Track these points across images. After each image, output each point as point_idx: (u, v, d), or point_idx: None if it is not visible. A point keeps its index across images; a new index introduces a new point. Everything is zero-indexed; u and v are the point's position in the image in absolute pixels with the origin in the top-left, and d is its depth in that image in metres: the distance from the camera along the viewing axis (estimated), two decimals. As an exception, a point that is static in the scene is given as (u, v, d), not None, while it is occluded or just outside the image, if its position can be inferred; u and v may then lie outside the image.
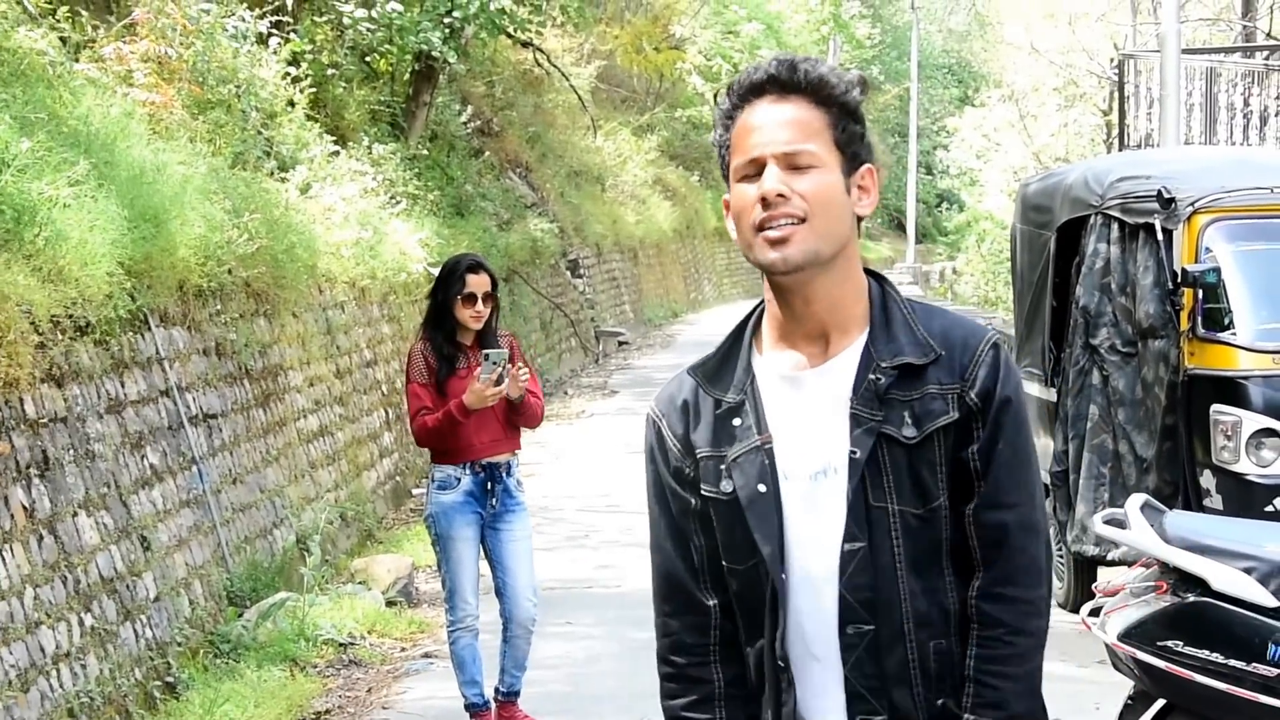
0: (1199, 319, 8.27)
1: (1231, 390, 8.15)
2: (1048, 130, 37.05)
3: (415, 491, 14.16)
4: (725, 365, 2.90)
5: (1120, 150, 19.29)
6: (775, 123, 2.78)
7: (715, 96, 2.93)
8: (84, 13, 11.45)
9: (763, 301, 2.91)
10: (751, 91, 2.83)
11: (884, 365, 2.80)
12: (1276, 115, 17.36)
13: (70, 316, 8.08)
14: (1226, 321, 8.23)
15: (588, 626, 9.13)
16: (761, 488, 2.80)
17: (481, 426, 7.25)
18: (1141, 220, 8.60)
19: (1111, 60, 23.72)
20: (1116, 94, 20.81)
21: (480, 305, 7.29)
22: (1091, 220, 8.99)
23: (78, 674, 7.40)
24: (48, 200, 8.14)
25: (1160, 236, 8.45)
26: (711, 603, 2.89)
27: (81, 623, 7.60)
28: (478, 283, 7.33)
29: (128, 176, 9.27)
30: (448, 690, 7.76)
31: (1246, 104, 17.70)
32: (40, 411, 7.66)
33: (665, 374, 22.63)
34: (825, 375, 2.83)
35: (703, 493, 2.85)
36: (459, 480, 7.35)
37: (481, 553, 7.42)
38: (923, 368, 2.81)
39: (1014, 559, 2.81)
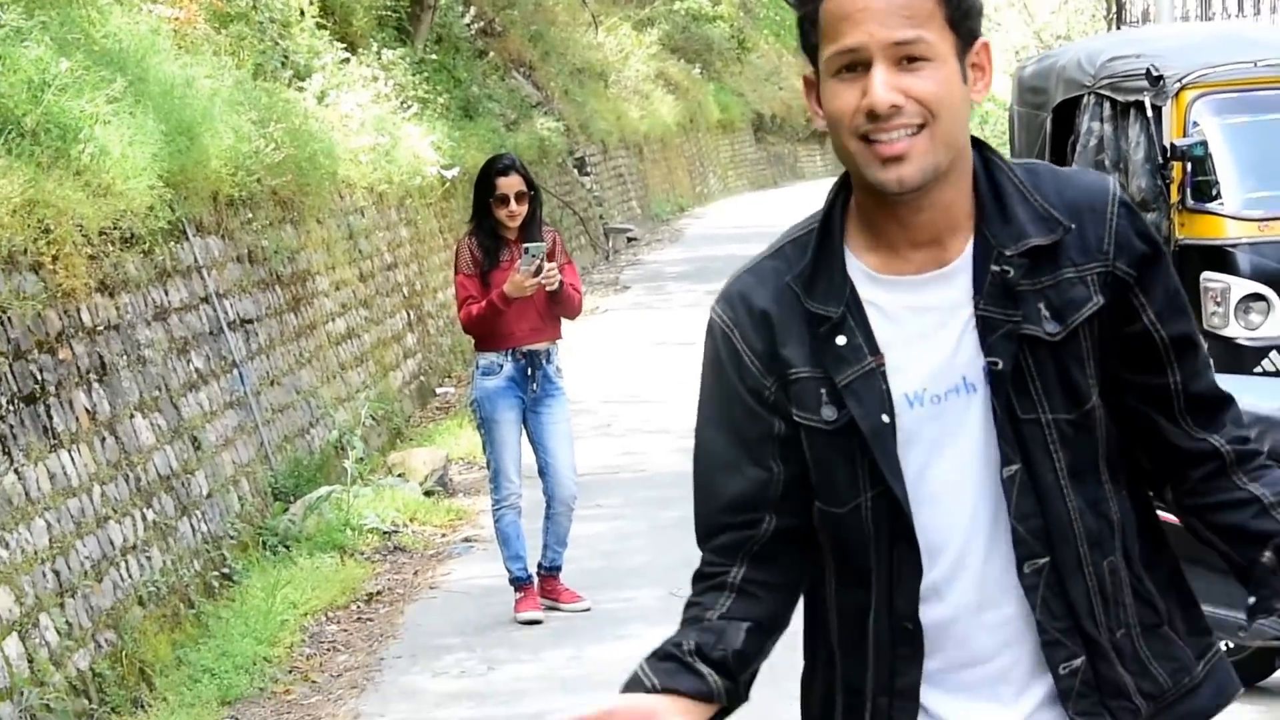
0: (1188, 191, 8.80)
1: (1220, 258, 8.69)
2: (1048, 8, 37.45)
3: (439, 390, 14.73)
4: (819, 271, 2.45)
5: (1118, 27, 19.70)
6: (880, 5, 2.30)
7: None
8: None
9: (840, 191, 2.48)
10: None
11: (1008, 254, 2.39)
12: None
13: (117, 228, 8.59)
14: (1214, 192, 8.75)
15: (617, 508, 9.72)
16: (884, 418, 2.39)
17: (522, 316, 7.78)
18: (1132, 98, 9.11)
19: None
20: (1114, -28, 21.13)
21: (514, 205, 7.80)
22: (1085, 99, 9.50)
23: (144, 565, 7.98)
24: (89, 117, 8.61)
25: (1150, 113, 8.96)
26: (765, 525, 2.46)
27: (144, 517, 8.18)
28: (507, 184, 7.84)
29: (160, 92, 9.75)
30: (490, 570, 8.36)
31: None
32: (95, 320, 8.20)
33: (675, 268, 23.15)
34: (945, 281, 2.42)
35: (797, 419, 2.42)
36: (501, 366, 7.87)
37: (524, 435, 7.97)
38: (1052, 247, 2.40)
39: (1235, 405, 2.51)
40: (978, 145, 2.46)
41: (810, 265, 2.44)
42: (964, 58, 2.35)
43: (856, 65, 2.32)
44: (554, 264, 7.83)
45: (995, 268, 2.39)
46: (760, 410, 2.45)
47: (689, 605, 2.48)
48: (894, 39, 2.29)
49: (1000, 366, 2.38)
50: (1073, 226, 2.40)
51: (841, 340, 2.41)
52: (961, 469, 2.42)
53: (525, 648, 7.39)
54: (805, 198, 34.75)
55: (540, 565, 8.02)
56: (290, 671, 7.24)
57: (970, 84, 2.37)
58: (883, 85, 2.29)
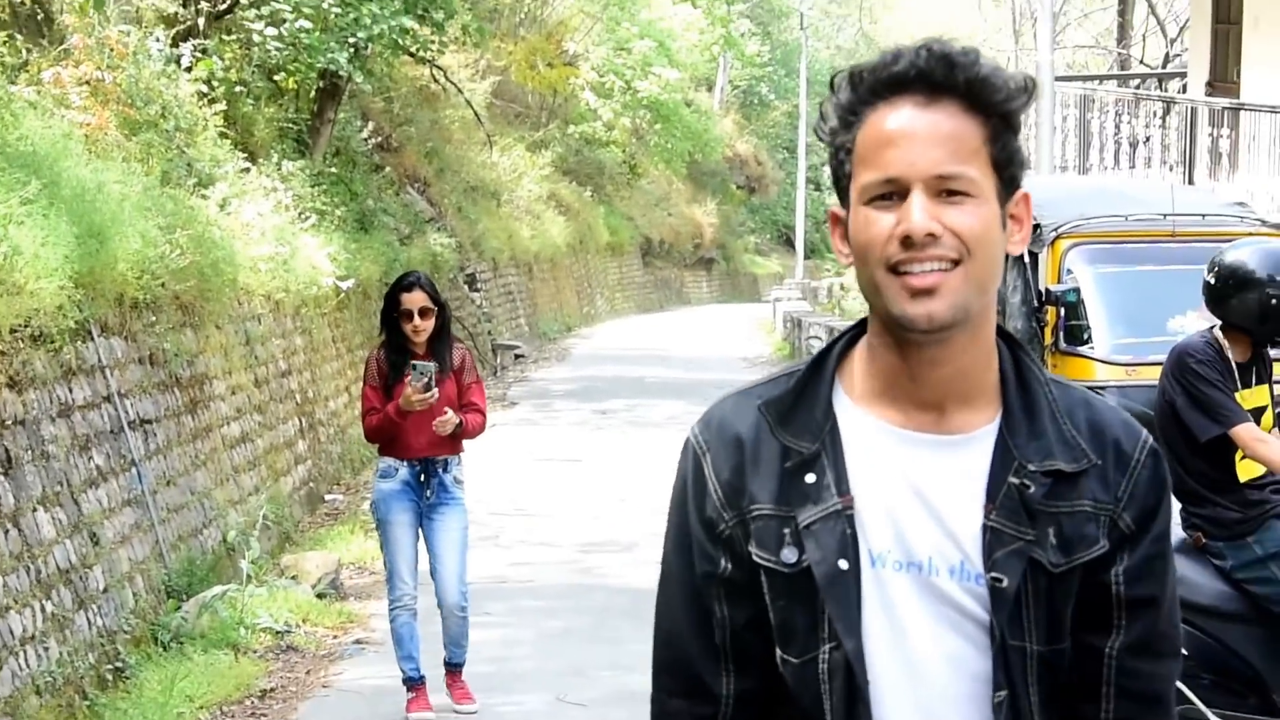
0: (1061, 334, 9.32)
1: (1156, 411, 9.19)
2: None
3: (328, 497, 14.94)
4: (801, 403, 2.32)
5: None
6: (925, 135, 2.20)
7: (832, 82, 2.26)
8: (18, 37, 12.17)
9: (855, 331, 2.37)
10: (890, 85, 2.23)
11: (1032, 469, 2.26)
12: (1145, 141, 18.57)
13: (27, 326, 8.83)
14: (1085, 337, 9.28)
15: (504, 616, 10.01)
16: (843, 564, 2.25)
17: (420, 429, 8.12)
18: (1011, 245, 9.63)
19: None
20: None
21: (418, 320, 8.14)
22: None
23: (41, 656, 8.16)
24: (3, 218, 8.88)
25: (1027, 259, 9.50)
26: (723, 691, 2.36)
27: (43, 609, 8.37)
28: (411, 299, 8.19)
29: (72, 195, 10.01)
30: (381, 671, 8.63)
31: (1118, 129, 18.89)
32: (3, 414, 8.42)
33: (561, 386, 23.52)
34: (942, 449, 2.28)
35: (754, 558, 2.29)
36: (397, 470, 8.23)
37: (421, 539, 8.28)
38: (1074, 476, 2.27)
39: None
40: (1010, 341, 2.35)
41: (791, 395, 2.33)
42: (1004, 204, 2.27)
43: (893, 194, 2.22)
44: (447, 411, 8.11)
45: (1014, 480, 2.25)
46: (707, 546, 2.34)
47: None
48: (937, 171, 2.20)
49: (1005, 584, 2.23)
50: (1098, 462, 2.28)
51: (811, 478, 2.28)
52: (922, 653, 2.27)
53: (413, 747, 7.67)
54: (693, 321, 35.32)
55: (445, 661, 8.32)
56: (187, 764, 7.45)
57: (1008, 233, 2.28)
58: (921, 211, 2.19)
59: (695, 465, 2.37)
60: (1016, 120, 2.28)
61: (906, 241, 2.19)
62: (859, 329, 2.36)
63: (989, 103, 2.23)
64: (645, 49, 39.51)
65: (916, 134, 2.21)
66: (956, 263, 2.20)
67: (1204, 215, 9.62)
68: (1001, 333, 2.33)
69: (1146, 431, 2.33)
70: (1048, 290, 9.28)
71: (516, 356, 27.10)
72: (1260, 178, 15.73)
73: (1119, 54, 24.71)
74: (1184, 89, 19.92)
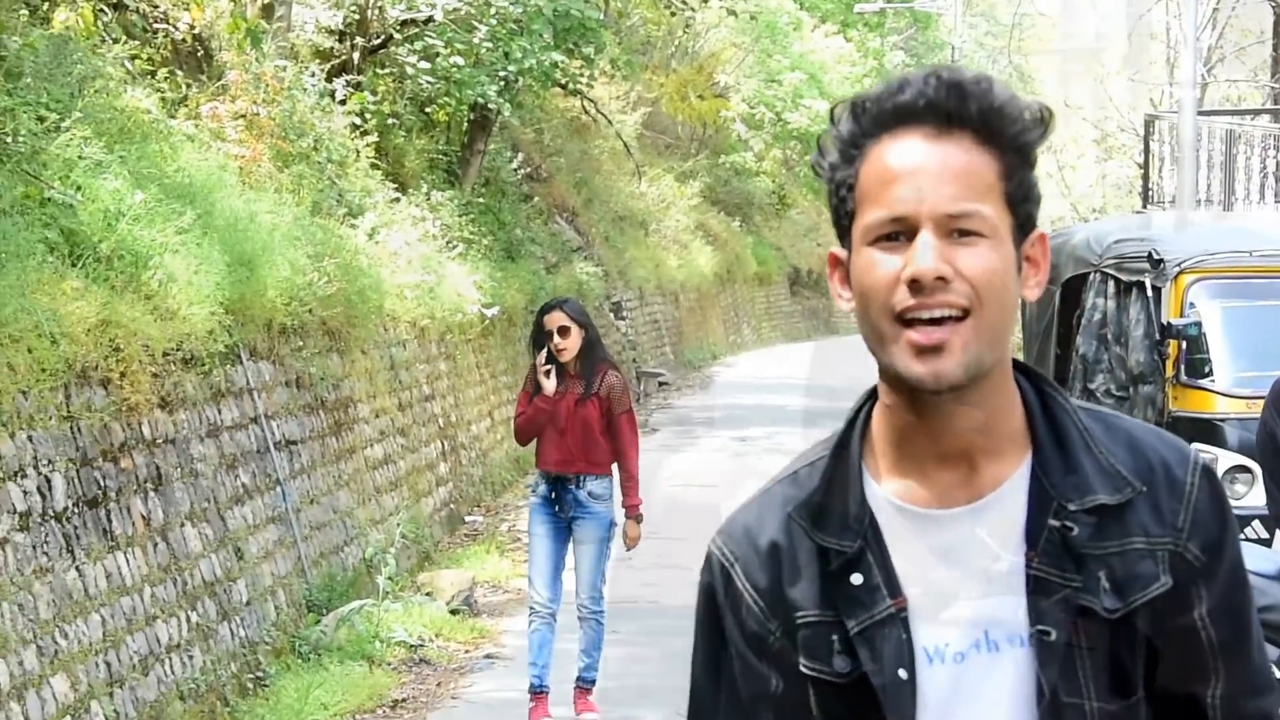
0: (1182, 367, 9.43)
1: (1210, 430, 9.30)
2: (1086, 182, 38.30)
3: (468, 518, 15.33)
4: (832, 497, 2.12)
5: (1145, 206, 20.47)
6: (935, 170, 2.02)
7: (831, 113, 2.05)
8: (179, 72, 12.71)
9: (864, 404, 2.17)
10: (896, 116, 2.04)
11: (1073, 508, 2.06)
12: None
13: (180, 349, 9.28)
14: (1206, 370, 9.39)
15: (631, 634, 10.30)
16: (902, 673, 2.07)
17: (556, 444, 8.63)
18: (1134, 278, 9.78)
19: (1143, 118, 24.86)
20: (1143, 153, 21.97)
21: (559, 339, 8.61)
22: (1091, 277, 10.19)
23: (185, 663, 8.59)
24: (159, 246, 9.35)
25: (1150, 293, 9.62)
26: None
27: (188, 619, 8.80)
28: (550, 320, 8.71)
29: (225, 224, 10.49)
30: (508, 684, 8.97)
31: (1264, 165, 18.82)
32: (154, 433, 8.87)
33: (703, 414, 23.79)
34: (980, 516, 2.09)
35: (803, 669, 2.10)
36: (538, 486, 8.88)
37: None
38: (1119, 509, 2.07)
39: None
40: (1031, 374, 2.16)
41: (822, 490, 2.12)
42: (1019, 245, 2.06)
43: (900, 235, 2.02)
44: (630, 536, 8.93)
45: (1055, 522, 2.06)
46: (758, 665, 2.14)
47: None
48: (948, 210, 2.00)
49: (1052, 637, 2.04)
50: (1144, 489, 2.08)
51: (857, 579, 2.08)
52: None
53: (538, 758, 7.98)
54: (837, 350, 35.43)
55: (576, 674, 8.74)
56: (319, 769, 7.82)
57: (1022, 278, 2.07)
58: (930, 253, 1.98)
59: (725, 578, 2.15)
60: (1033, 154, 2.07)
61: (914, 285, 1.99)
62: (872, 395, 2.15)
63: (1004, 135, 2.03)
64: (796, 81, 39.73)
65: (926, 169, 2.02)
66: (966, 313, 1.99)
67: (1330, 251, 9.70)
68: (1019, 366, 2.14)
69: (1193, 449, 2.15)
70: (1170, 323, 9.40)
71: (660, 384, 27.42)
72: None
73: (1273, 88, 24.56)
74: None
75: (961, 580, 2.08)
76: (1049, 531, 2.05)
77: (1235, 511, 5.98)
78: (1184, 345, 9.43)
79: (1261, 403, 8.97)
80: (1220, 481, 2.14)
